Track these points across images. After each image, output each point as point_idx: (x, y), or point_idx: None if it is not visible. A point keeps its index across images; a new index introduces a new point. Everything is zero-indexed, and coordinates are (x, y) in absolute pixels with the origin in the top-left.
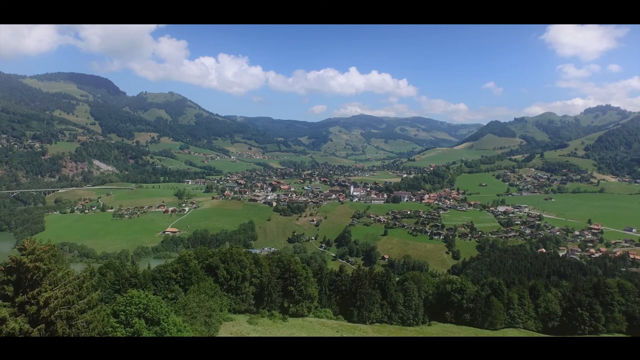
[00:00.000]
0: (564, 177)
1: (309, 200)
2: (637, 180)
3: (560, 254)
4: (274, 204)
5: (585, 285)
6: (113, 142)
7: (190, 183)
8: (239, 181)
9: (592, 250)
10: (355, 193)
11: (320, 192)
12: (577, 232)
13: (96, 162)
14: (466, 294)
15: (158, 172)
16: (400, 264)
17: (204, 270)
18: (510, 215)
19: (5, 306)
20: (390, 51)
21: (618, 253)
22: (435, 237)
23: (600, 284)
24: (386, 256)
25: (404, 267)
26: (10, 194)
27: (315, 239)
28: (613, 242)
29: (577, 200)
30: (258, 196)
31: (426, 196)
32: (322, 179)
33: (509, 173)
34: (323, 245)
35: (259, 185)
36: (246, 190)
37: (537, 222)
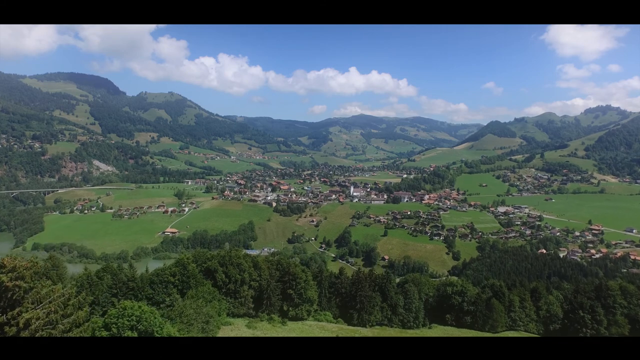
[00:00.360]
0: (564, 178)
1: (309, 201)
2: (638, 181)
3: (561, 255)
4: (274, 204)
5: (587, 288)
6: (113, 142)
7: (190, 183)
8: (239, 181)
9: (593, 251)
10: (355, 193)
11: (320, 192)
12: (577, 233)
13: (96, 162)
14: (467, 296)
15: (158, 173)
16: (401, 265)
17: (203, 273)
18: (511, 215)
19: None
20: (390, 51)
21: (619, 254)
22: (436, 237)
23: (602, 286)
24: (386, 257)
25: (404, 268)
26: (9, 194)
27: (315, 239)
28: (614, 243)
29: (577, 201)
30: (258, 196)
31: (426, 196)
32: (322, 179)
33: (509, 173)
34: (323, 245)
35: (258, 185)
36: (246, 190)
37: (537, 223)
